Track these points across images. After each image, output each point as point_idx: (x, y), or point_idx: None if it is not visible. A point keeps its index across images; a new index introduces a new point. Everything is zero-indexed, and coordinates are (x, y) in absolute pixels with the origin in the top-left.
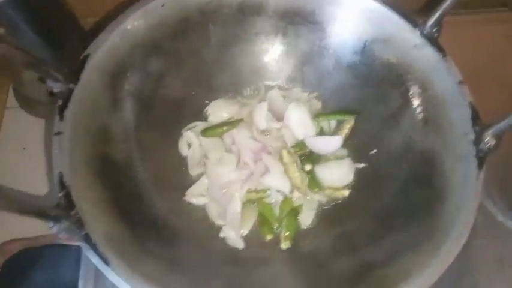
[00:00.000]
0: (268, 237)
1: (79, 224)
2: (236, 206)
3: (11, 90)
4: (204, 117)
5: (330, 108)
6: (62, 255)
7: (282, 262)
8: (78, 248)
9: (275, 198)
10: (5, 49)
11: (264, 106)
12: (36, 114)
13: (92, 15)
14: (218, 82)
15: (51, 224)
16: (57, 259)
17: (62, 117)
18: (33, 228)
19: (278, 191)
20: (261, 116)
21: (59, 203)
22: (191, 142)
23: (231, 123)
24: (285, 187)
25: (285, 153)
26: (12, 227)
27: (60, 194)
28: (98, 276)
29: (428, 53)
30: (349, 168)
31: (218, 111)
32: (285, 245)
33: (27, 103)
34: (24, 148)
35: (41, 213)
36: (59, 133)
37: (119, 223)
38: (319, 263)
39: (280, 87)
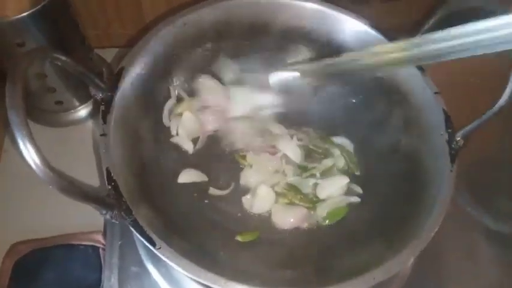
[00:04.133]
0: None
1: (128, 211)
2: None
3: None
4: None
5: (320, 115)
6: (71, 255)
7: None
8: (86, 247)
9: None
10: (61, 59)
11: None
12: (44, 123)
13: (94, 28)
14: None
15: (104, 211)
16: (67, 259)
17: (105, 121)
18: (43, 230)
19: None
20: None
21: (109, 194)
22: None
23: None
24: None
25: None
26: (22, 229)
27: (109, 187)
28: (122, 273)
29: (410, 69)
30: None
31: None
32: None
33: (34, 112)
34: None
35: (100, 202)
36: (103, 134)
37: (154, 211)
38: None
39: None
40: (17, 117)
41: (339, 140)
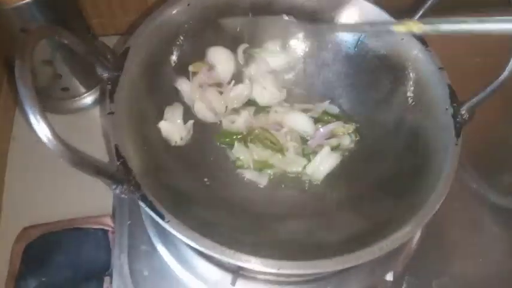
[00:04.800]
0: None
1: (136, 186)
2: None
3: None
4: None
5: (327, 95)
6: (80, 238)
7: None
8: (96, 230)
9: None
10: (69, 38)
11: None
12: (50, 110)
13: (98, 16)
14: None
15: (114, 186)
16: (76, 242)
17: (112, 100)
18: (52, 214)
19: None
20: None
21: (118, 169)
22: None
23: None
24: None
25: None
26: (32, 214)
27: (118, 163)
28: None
29: (414, 45)
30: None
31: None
32: None
33: (40, 99)
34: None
35: (110, 176)
36: (111, 113)
37: (162, 186)
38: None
39: None
40: (28, 92)
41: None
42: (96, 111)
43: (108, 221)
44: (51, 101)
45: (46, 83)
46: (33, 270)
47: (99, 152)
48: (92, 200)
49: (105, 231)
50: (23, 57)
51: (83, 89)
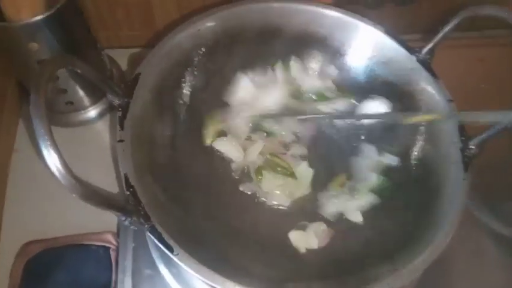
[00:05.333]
0: None
1: (146, 217)
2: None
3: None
4: None
5: None
6: (82, 255)
7: None
8: (97, 247)
9: None
10: (82, 67)
11: None
12: (54, 123)
13: (104, 30)
14: None
15: (123, 218)
16: (77, 258)
17: (122, 127)
18: (54, 230)
19: None
20: None
21: (128, 200)
22: None
23: None
24: None
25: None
26: (33, 229)
27: (128, 193)
28: (135, 275)
29: (423, 75)
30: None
31: None
32: None
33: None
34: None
35: (121, 209)
36: (121, 140)
37: (173, 217)
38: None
39: None
40: (42, 126)
41: None
42: (100, 125)
43: (110, 238)
44: (55, 115)
45: (51, 97)
46: (34, 287)
47: (103, 167)
48: (94, 215)
49: (106, 249)
50: (38, 89)
51: (87, 103)
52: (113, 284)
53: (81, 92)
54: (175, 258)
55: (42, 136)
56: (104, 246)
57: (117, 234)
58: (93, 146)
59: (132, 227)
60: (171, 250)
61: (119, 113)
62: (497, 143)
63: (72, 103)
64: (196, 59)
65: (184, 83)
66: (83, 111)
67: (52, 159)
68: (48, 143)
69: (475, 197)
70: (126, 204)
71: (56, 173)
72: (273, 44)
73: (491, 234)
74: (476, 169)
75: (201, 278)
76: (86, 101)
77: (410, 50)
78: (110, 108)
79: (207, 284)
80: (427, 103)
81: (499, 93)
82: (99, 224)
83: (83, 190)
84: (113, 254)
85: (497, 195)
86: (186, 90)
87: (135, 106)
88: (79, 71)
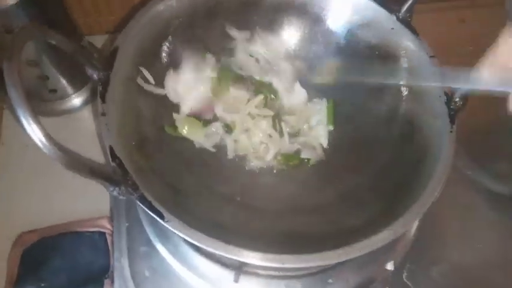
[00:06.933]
0: None
1: (134, 186)
2: None
3: None
4: None
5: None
6: (78, 241)
7: None
8: (93, 233)
9: None
10: (57, 38)
11: None
12: (38, 112)
13: (84, 16)
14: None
15: (111, 188)
16: (74, 245)
17: (103, 100)
18: (48, 218)
19: None
20: None
21: (114, 171)
22: None
23: None
24: None
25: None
26: (28, 218)
27: (114, 164)
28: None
29: (404, 34)
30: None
31: None
32: None
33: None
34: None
35: (107, 178)
36: (103, 114)
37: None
38: (327, 217)
39: None
40: (18, 94)
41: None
42: (85, 112)
43: (105, 223)
44: (39, 103)
45: (33, 84)
46: (32, 276)
47: (91, 154)
48: (87, 202)
49: (102, 234)
50: (11, 59)
51: (70, 90)
52: (111, 268)
53: (64, 79)
54: (166, 225)
55: (20, 106)
56: (99, 232)
57: (111, 219)
58: (80, 134)
59: (121, 197)
60: (161, 217)
61: (100, 87)
62: (485, 107)
63: (55, 91)
64: (175, 29)
65: (164, 53)
66: (67, 99)
67: (32, 129)
68: (27, 112)
69: (466, 158)
70: (113, 175)
71: (38, 143)
72: (252, 13)
73: (483, 191)
74: (468, 132)
75: (193, 241)
76: (70, 88)
77: (389, 9)
78: (94, 95)
79: (199, 247)
80: (409, 61)
81: (482, 54)
82: (93, 210)
83: (67, 158)
84: (109, 239)
85: (487, 156)
86: (166, 60)
87: (115, 79)
88: (53, 41)
